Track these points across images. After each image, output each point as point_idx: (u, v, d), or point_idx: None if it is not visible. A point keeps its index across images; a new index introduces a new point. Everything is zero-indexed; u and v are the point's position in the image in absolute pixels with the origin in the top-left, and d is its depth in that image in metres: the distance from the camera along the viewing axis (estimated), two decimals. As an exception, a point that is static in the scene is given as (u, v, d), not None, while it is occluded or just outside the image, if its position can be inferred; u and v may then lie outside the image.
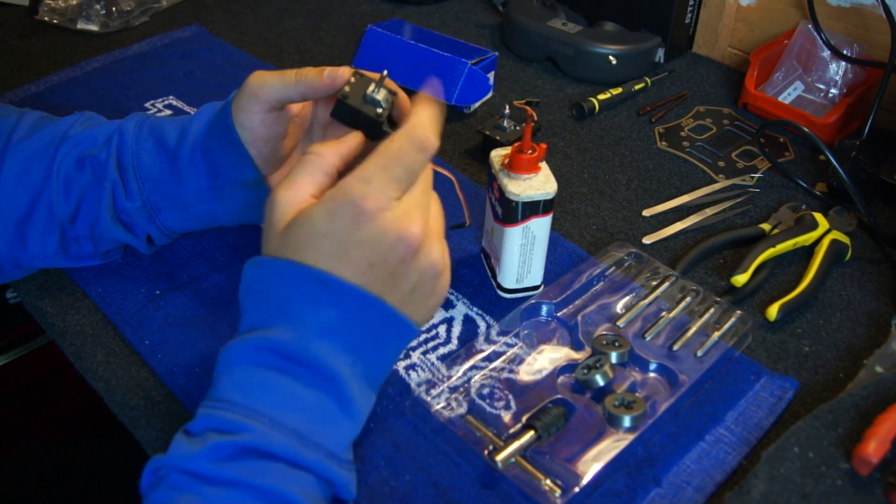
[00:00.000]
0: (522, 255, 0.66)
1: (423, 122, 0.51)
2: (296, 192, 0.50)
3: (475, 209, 0.79)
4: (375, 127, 0.58)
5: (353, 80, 0.58)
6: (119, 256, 0.72)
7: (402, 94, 0.60)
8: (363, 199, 0.48)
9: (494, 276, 0.69)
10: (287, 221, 0.49)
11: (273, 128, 0.63)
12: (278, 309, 0.49)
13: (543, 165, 0.64)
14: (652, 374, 0.61)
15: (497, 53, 0.95)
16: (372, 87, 0.58)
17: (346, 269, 0.48)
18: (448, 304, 0.68)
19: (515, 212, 0.63)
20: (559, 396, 0.59)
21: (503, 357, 0.63)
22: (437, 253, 0.52)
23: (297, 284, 0.48)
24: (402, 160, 0.49)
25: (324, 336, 0.48)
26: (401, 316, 0.50)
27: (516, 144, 0.63)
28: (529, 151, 0.63)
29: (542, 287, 0.69)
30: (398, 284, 0.50)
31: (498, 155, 0.65)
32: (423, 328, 0.63)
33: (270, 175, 0.66)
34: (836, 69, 0.91)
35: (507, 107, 0.85)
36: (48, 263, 0.68)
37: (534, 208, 0.63)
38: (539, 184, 0.63)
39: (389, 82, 0.59)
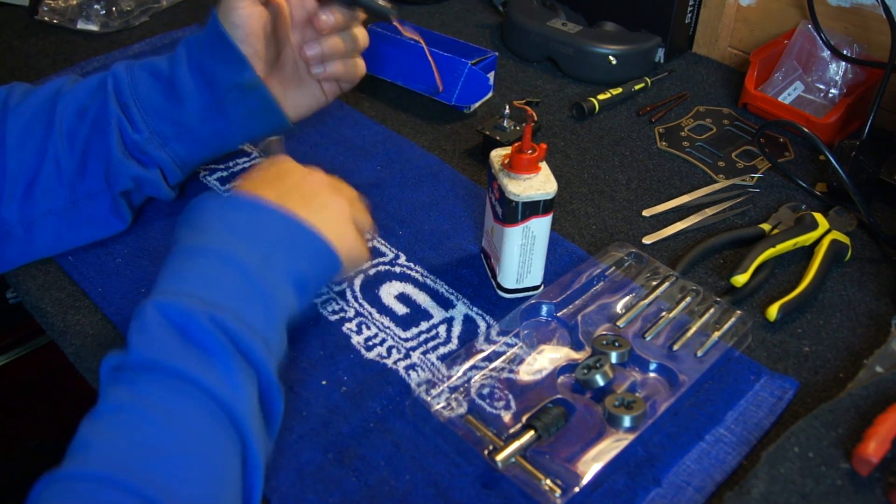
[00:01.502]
0: (522, 255, 0.66)
1: None
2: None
3: (475, 209, 0.79)
4: None
5: None
6: (126, 225, 0.72)
7: None
8: (285, 171, 0.63)
9: (494, 276, 0.69)
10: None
11: (261, 21, 0.67)
12: (219, 221, 0.56)
13: (543, 165, 0.64)
14: (652, 374, 0.61)
15: (497, 53, 0.95)
16: None
17: (259, 189, 0.58)
18: (448, 304, 0.68)
19: (515, 212, 0.63)
20: (559, 396, 0.59)
21: (503, 357, 0.63)
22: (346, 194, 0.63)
23: (236, 207, 0.57)
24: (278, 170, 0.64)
25: (243, 238, 0.55)
26: (309, 226, 0.57)
27: (516, 144, 0.63)
28: (529, 151, 0.63)
29: (542, 287, 0.69)
30: (293, 199, 0.58)
31: (498, 155, 0.65)
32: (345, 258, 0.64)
33: (266, 78, 0.69)
34: (836, 69, 0.91)
35: (507, 107, 0.85)
36: (58, 225, 0.69)
37: (534, 208, 0.63)
38: (539, 184, 0.63)
39: None
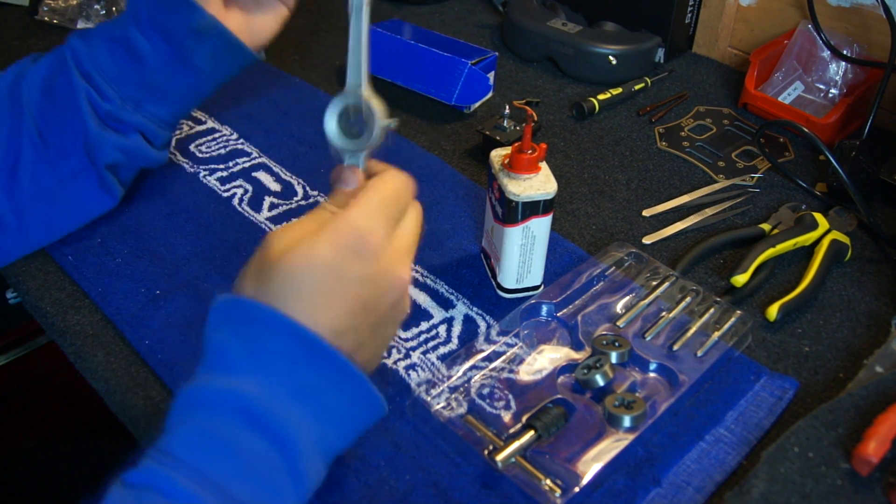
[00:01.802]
0: (522, 255, 0.66)
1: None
2: (296, 230, 0.47)
3: (475, 209, 0.79)
4: None
5: None
6: (117, 201, 0.72)
7: None
8: (369, 233, 0.45)
9: (494, 276, 0.69)
10: (282, 250, 0.45)
11: None
12: (249, 356, 0.44)
13: (543, 165, 0.64)
14: (652, 374, 0.61)
15: (497, 53, 0.95)
16: None
17: (340, 305, 0.44)
18: (448, 304, 0.68)
19: (515, 212, 0.63)
20: (559, 396, 0.59)
21: (503, 357, 0.63)
22: (408, 300, 0.50)
23: (276, 336, 0.44)
24: (398, 200, 0.48)
25: (294, 399, 0.43)
26: (379, 396, 0.46)
27: (516, 144, 0.63)
28: (529, 151, 0.63)
29: (542, 287, 0.69)
30: (380, 331, 0.47)
31: (498, 155, 0.65)
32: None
33: (223, 13, 0.67)
34: (836, 69, 0.91)
35: (507, 107, 0.85)
36: (49, 209, 0.68)
37: (534, 208, 0.63)
38: (539, 184, 0.63)
39: None
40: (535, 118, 0.67)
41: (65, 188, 0.68)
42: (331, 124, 0.51)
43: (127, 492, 0.42)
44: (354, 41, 0.50)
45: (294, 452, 0.43)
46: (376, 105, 0.50)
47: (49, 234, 0.71)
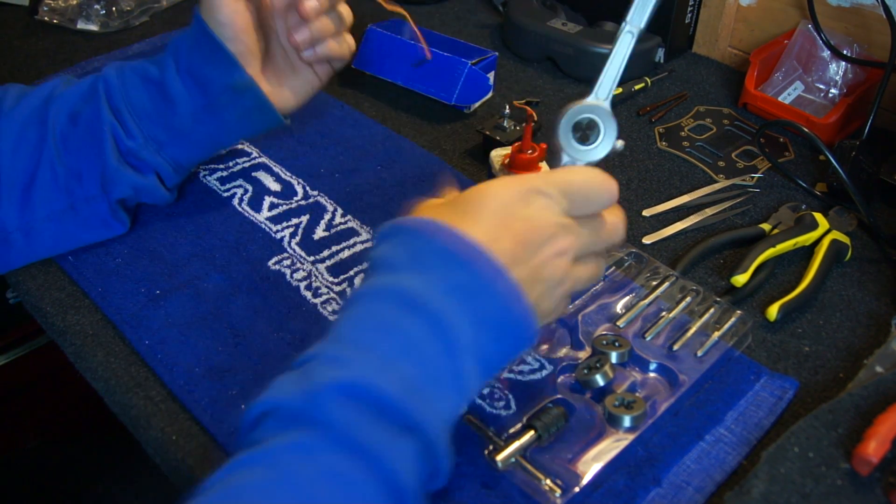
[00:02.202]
0: None
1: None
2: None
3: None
4: None
5: None
6: (126, 229, 0.72)
7: None
8: (542, 185, 0.48)
9: None
10: (468, 190, 0.49)
11: (246, 16, 0.65)
12: (410, 258, 0.47)
13: (544, 165, 0.64)
14: (652, 374, 0.61)
15: (497, 53, 0.95)
16: None
17: (498, 241, 0.46)
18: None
19: None
20: (559, 396, 0.59)
21: (503, 357, 0.63)
22: (579, 274, 0.51)
23: (436, 240, 0.46)
24: (588, 193, 0.50)
25: (451, 295, 0.45)
26: (529, 309, 0.47)
27: (517, 144, 0.63)
28: (530, 151, 0.63)
29: None
30: (535, 280, 0.48)
31: (498, 155, 0.65)
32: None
33: (259, 73, 0.68)
34: (836, 69, 0.91)
35: (507, 107, 0.85)
36: (58, 229, 0.69)
37: None
38: None
39: None
40: (536, 118, 0.67)
41: (76, 212, 0.69)
42: (566, 128, 0.52)
43: (293, 370, 0.44)
44: (616, 60, 0.53)
45: (452, 343, 0.44)
46: (612, 125, 0.52)
47: (53, 250, 0.71)
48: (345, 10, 0.72)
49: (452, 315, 0.45)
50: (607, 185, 0.50)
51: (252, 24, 0.66)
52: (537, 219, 0.48)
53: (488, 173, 0.66)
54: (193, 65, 0.66)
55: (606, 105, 0.52)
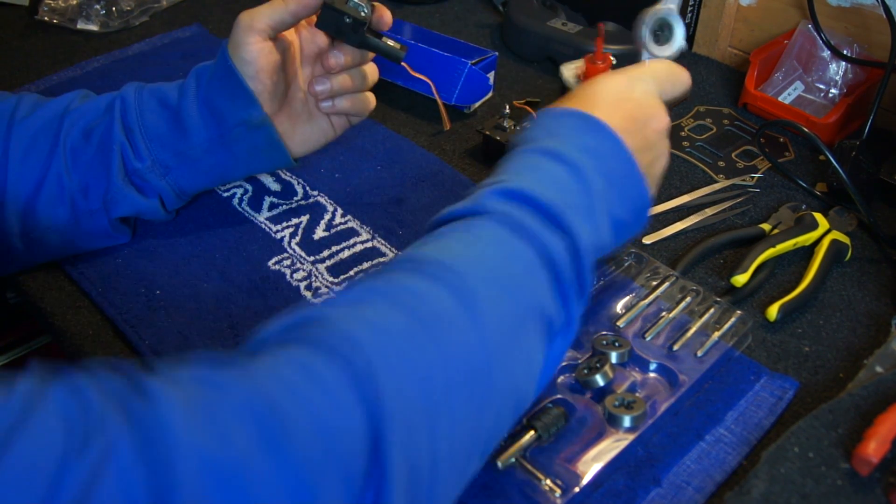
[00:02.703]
0: None
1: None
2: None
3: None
4: (358, 31, 0.65)
5: None
6: (127, 239, 0.72)
7: (379, 6, 0.66)
8: (638, 79, 0.58)
9: None
10: (586, 82, 0.59)
11: (272, 57, 0.65)
12: (544, 131, 0.54)
13: None
14: (652, 374, 0.61)
15: (497, 53, 0.95)
16: None
17: (613, 117, 0.54)
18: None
19: None
20: (559, 396, 0.59)
21: (503, 357, 0.63)
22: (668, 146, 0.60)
23: (565, 118, 0.55)
24: (671, 77, 0.60)
25: (583, 152, 0.52)
26: (642, 172, 0.55)
27: (588, 56, 0.72)
28: (600, 62, 0.71)
29: None
30: (644, 149, 0.56)
31: (570, 68, 0.74)
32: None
33: (274, 114, 0.68)
34: (836, 69, 0.91)
35: (507, 107, 0.85)
36: (60, 240, 0.69)
37: None
38: None
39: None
40: (604, 32, 0.75)
41: (78, 225, 0.69)
42: (646, 31, 0.62)
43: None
44: None
45: (589, 185, 0.51)
46: (681, 27, 0.62)
47: (53, 258, 0.71)
48: (370, 70, 0.72)
49: (585, 165, 0.52)
50: (685, 75, 0.61)
51: (275, 65, 0.66)
52: (641, 100, 0.57)
53: (560, 89, 0.74)
54: (212, 96, 0.66)
55: (675, 8, 0.62)
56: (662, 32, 0.62)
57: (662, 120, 0.57)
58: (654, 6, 0.62)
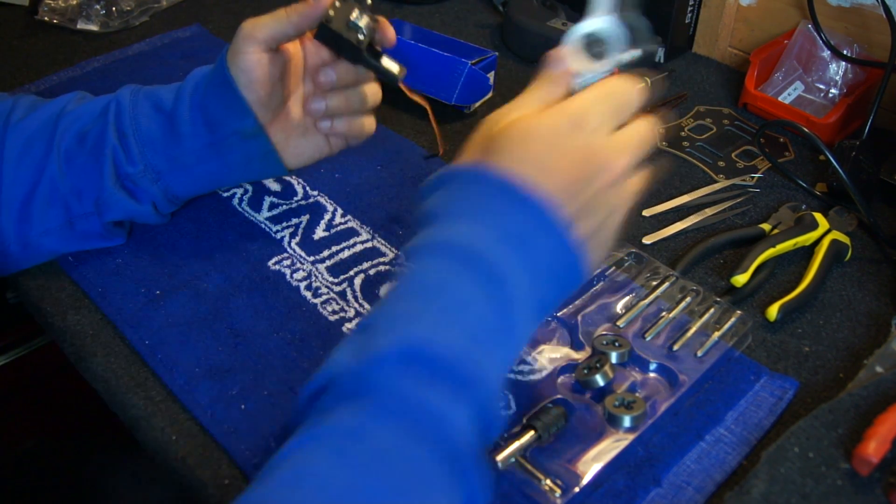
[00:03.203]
0: None
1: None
2: (515, 111, 0.50)
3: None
4: (356, 53, 0.62)
5: (338, 4, 0.61)
6: (122, 241, 0.72)
7: (383, 21, 0.63)
8: (587, 113, 0.48)
9: None
10: (504, 125, 0.48)
11: (269, 69, 0.64)
12: (462, 207, 0.47)
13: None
14: (652, 374, 0.61)
15: (497, 53, 0.95)
16: (355, 12, 0.61)
17: (550, 177, 0.46)
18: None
19: None
20: (559, 396, 0.59)
21: (503, 357, 0.63)
22: (630, 190, 0.50)
23: (489, 188, 0.46)
24: (621, 100, 0.49)
25: (505, 242, 0.45)
26: (583, 250, 0.47)
27: None
28: None
29: None
30: (589, 214, 0.48)
31: None
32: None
33: (269, 124, 0.67)
34: (836, 69, 0.91)
35: (507, 107, 0.85)
36: (55, 242, 0.69)
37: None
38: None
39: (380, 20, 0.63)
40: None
41: (73, 228, 0.69)
42: (574, 50, 0.52)
43: (352, 336, 0.46)
44: None
45: (508, 296, 0.45)
46: (616, 35, 0.53)
47: (49, 258, 0.71)
48: (371, 91, 0.69)
49: (506, 264, 0.45)
50: (630, 88, 0.50)
51: (272, 78, 0.64)
52: (586, 148, 0.47)
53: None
54: (207, 102, 0.65)
55: (604, 19, 0.52)
56: (599, 47, 0.52)
57: (616, 166, 0.48)
58: (585, 20, 0.53)
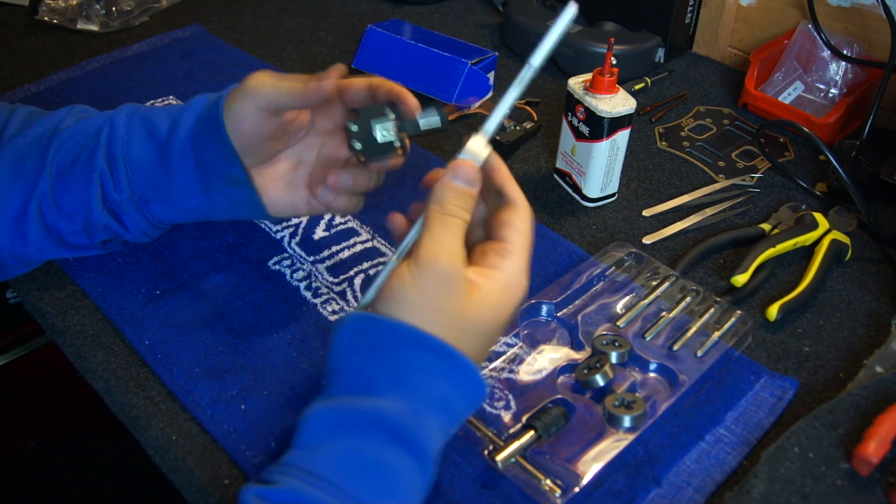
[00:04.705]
0: (608, 166, 0.76)
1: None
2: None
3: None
4: (392, 151, 0.61)
5: (355, 115, 0.60)
6: (119, 248, 0.72)
7: (401, 97, 0.60)
8: (522, 289, 0.52)
9: (579, 191, 0.79)
10: (475, 304, 0.50)
11: (261, 128, 0.62)
12: (391, 376, 0.48)
13: (619, 86, 0.73)
14: (652, 374, 0.61)
15: (497, 53, 0.95)
16: (378, 132, 0.60)
17: (486, 342, 0.51)
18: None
19: (603, 128, 0.73)
20: (559, 396, 0.59)
21: (503, 357, 0.63)
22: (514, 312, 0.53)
23: (419, 353, 0.48)
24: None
25: (435, 411, 0.48)
26: (485, 391, 0.51)
27: (597, 69, 0.72)
28: (608, 75, 0.72)
29: (617, 195, 0.80)
30: (484, 342, 0.51)
31: (577, 82, 0.75)
32: None
33: (254, 170, 0.65)
34: (836, 69, 0.91)
35: (507, 107, 0.85)
36: (50, 255, 0.68)
37: (619, 122, 0.73)
38: (622, 101, 0.73)
39: (399, 91, 0.60)
40: (614, 42, 0.74)
41: (67, 244, 0.68)
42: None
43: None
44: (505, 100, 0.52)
45: (429, 460, 0.48)
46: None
47: (45, 261, 0.71)
48: (375, 177, 0.66)
49: (431, 433, 0.48)
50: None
51: (262, 135, 0.62)
52: (510, 308, 0.51)
53: (567, 98, 0.75)
54: (200, 141, 0.64)
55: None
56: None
57: (507, 312, 0.51)
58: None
